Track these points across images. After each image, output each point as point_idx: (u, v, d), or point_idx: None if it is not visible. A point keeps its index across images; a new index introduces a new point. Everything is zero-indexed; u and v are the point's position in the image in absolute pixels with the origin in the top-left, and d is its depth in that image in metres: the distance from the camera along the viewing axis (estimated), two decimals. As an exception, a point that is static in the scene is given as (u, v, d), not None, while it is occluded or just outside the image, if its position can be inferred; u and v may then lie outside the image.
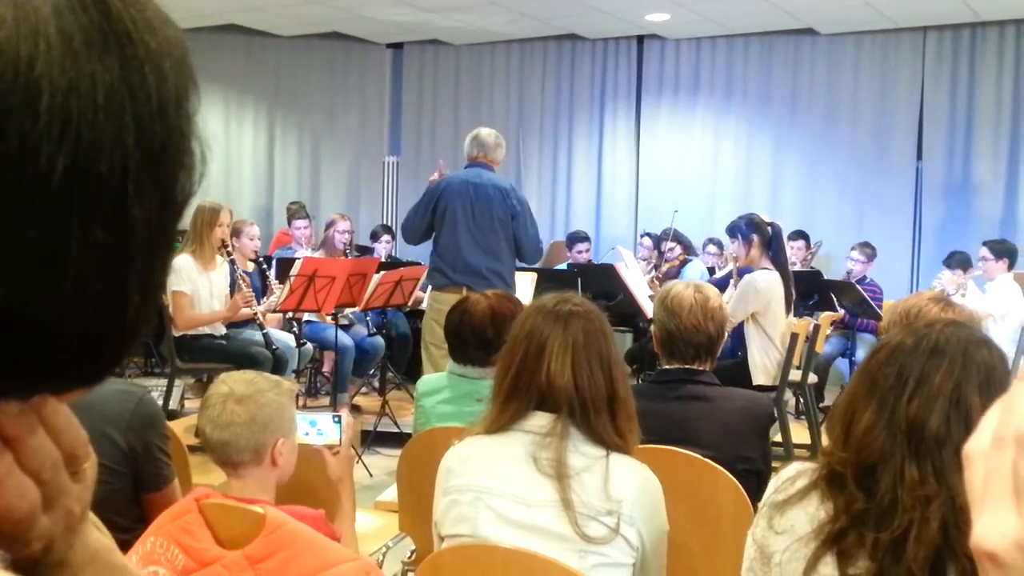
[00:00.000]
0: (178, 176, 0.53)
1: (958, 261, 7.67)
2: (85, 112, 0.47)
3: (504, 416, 2.17)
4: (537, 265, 9.24)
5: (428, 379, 3.49)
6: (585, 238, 9.31)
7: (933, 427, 1.54)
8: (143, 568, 1.96)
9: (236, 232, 6.67)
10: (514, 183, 9.00)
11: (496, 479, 2.14)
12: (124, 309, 0.52)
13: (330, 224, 7.92)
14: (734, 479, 2.68)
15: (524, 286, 6.47)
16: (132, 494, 2.58)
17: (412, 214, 5.96)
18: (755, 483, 2.91)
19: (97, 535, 0.65)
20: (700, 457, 2.71)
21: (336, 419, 2.79)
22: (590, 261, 9.05)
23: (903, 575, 1.50)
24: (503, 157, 5.95)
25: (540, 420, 2.14)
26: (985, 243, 7.64)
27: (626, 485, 2.08)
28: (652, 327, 3.29)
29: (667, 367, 3.12)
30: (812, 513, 1.65)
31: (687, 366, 3.07)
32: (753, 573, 1.77)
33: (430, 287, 6.00)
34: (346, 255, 7.59)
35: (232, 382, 2.25)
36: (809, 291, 7.58)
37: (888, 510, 1.54)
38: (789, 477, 1.74)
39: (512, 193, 5.75)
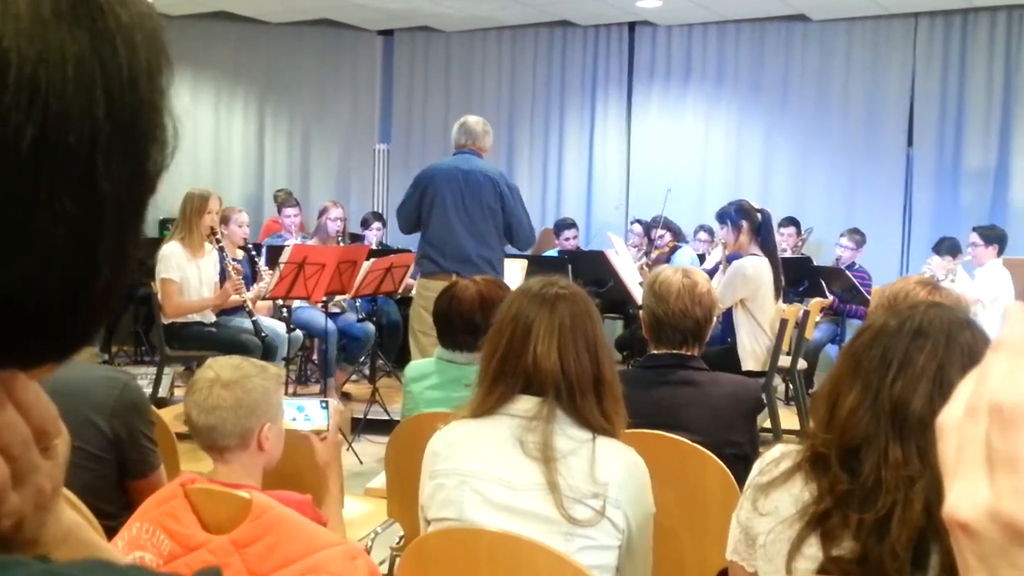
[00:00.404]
0: (149, 150, 0.53)
1: (947, 247, 7.69)
2: (54, 83, 0.47)
3: (490, 400, 2.17)
4: (527, 252, 9.22)
5: (416, 365, 3.48)
6: (573, 225, 9.30)
7: (917, 408, 1.55)
8: (129, 554, 1.96)
9: (225, 219, 6.65)
10: (505, 170, 8.97)
11: (482, 463, 2.13)
12: (93, 282, 0.51)
13: (323, 212, 7.89)
14: (722, 464, 2.68)
15: (514, 273, 6.46)
16: (117, 481, 2.57)
17: (403, 202, 5.97)
18: (743, 468, 2.91)
19: (71, 513, 0.65)
20: (688, 442, 2.71)
21: (323, 404, 2.78)
22: (578, 248, 9.05)
23: (887, 555, 1.50)
24: (491, 144, 5.93)
25: (526, 403, 2.14)
26: (975, 229, 7.66)
27: (612, 468, 2.08)
28: (641, 312, 3.29)
29: (655, 352, 3.11)
30: (796, 495, 1.66)
31: (675, 351, 3.07)
32: (738, 555, 1.78)
33: (419, 275, 5.98)
34: (339, 242, 7.58)
35: (218, 367, 2.25)
36: (799, 277, 7.59)
37: (872, 491, 1.55)
38: (774, 459, 1.74)
39: (501, 179, 5.72)
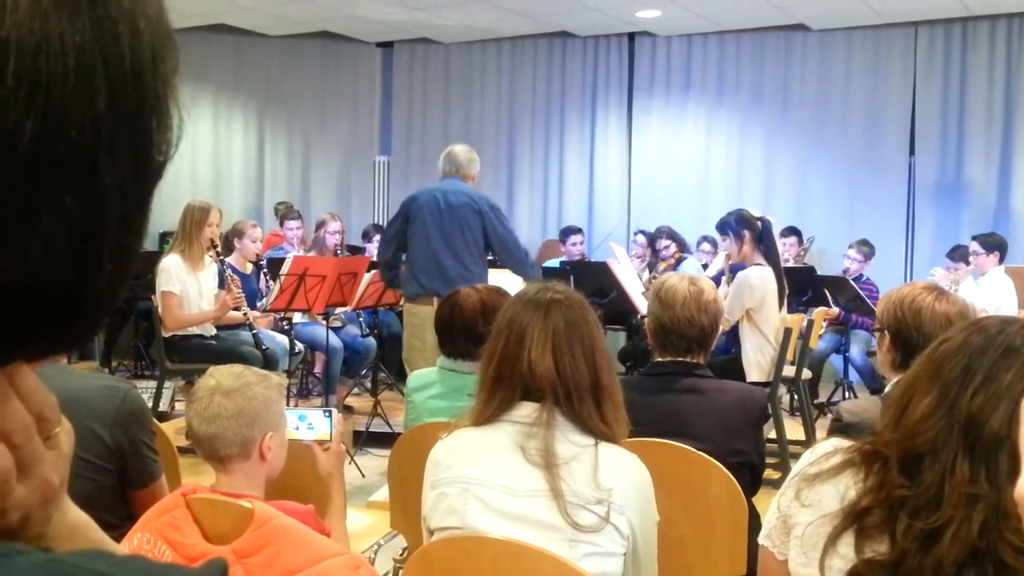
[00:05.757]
0: (154, 141, 0.51)
1: (960, 255, 7.69)
2: (54, 75, 0.46)
3: (490, 407, 2.15)
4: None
5: (419, 374, 3.46)
6: (578, 231, 9.36)
7: (994, 426, 1.49)
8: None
9: (239, 234, 6.67)
10: (506, 183, 8.97)
11: (484, 470, 2.12)
12: (96, 278, 0.50)
13: (320, 224, 7.88)
14: (727, 472, 2.66)
15: (516, 285, 6.45)
16: (119, 491, 2.54)
17: (387, 227, 6.06)
18: (748, 476, 2.90)
19: (77, 510, 0.64)
20: (693, 450, 2.69)
21: (326, 414, 2.76)
22: (583, 256, 9.05)
23: (928, 567, 1.46)
24: (478, 170, 5.93)
25: (526, 410, 2.13)
26: (975, 237, 7.63)
27: (616, 474, 2.06)
28: (645, 319, 3.27)
29: (660, 359, 3.09)
30: (842, 492, 1.62)
31: (680, 359, 3.04)
32: (770, 541, 1.74)
33: (404, 299, 5.97)
34: (337, 255, 7.56)
35: (220, 375, 2.23)
36: (802, 287, 7.56)
37: (931, 501, 1.50)
38: (826, 452, 1.70)
39: (483, 201, 5.72)
